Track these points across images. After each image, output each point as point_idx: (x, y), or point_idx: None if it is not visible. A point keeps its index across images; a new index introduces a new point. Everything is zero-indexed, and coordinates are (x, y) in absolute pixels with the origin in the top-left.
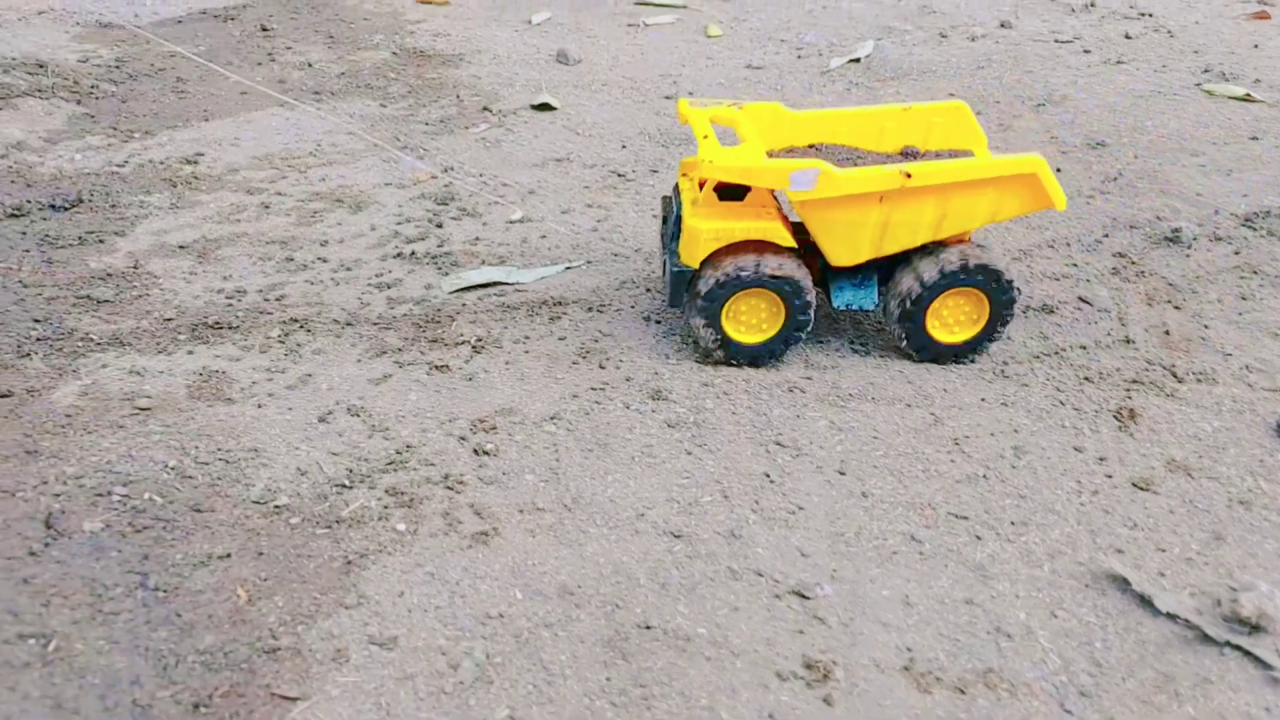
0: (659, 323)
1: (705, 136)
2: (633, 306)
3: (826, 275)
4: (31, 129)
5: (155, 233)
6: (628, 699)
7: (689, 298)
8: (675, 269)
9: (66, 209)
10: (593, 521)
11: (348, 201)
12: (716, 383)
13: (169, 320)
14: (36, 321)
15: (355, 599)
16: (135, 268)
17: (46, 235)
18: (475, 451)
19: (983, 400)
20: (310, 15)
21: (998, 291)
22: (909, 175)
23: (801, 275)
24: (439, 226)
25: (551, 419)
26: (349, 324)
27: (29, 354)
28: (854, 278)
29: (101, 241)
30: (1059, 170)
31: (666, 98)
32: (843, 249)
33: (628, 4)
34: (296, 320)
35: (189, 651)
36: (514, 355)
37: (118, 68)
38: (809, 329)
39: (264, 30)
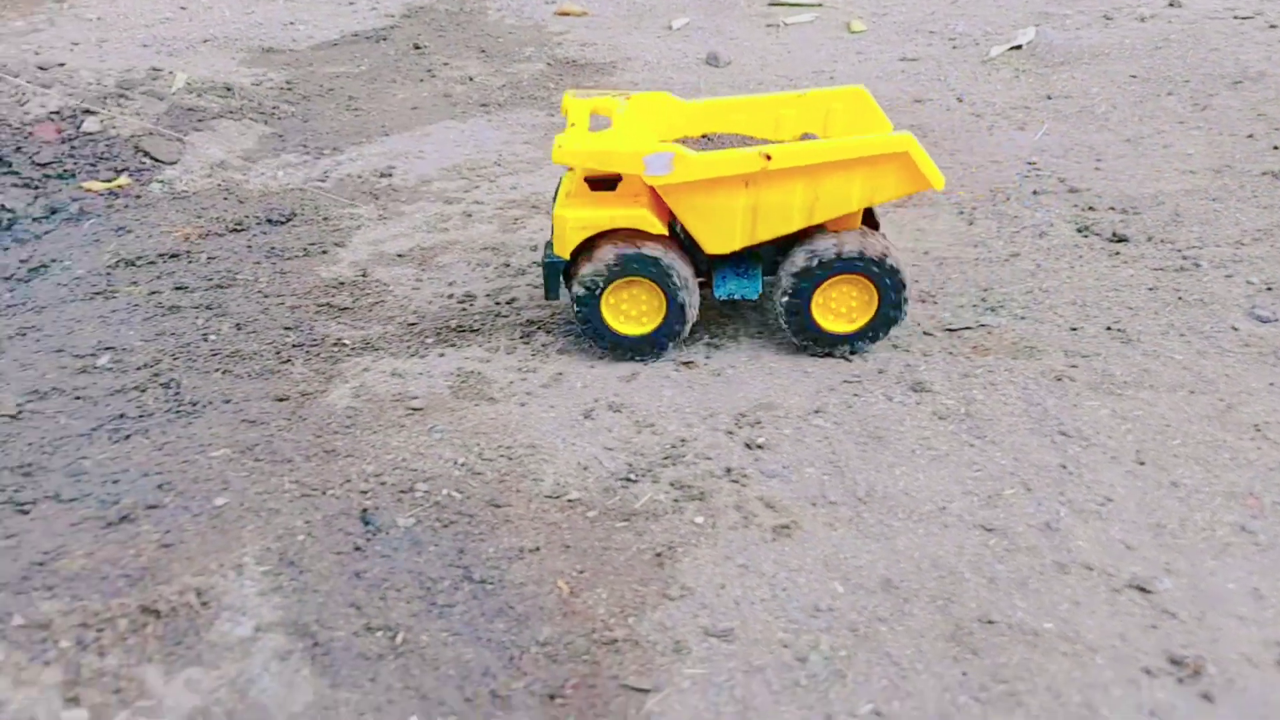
0: None
1: (573, 125)
2: None
3: (711, 265)
4: (230, 149)
5: (371, 243)
6: (989, 694)
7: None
8: (546, 260)
9: (283, 223)
10: (893, 515)
11: (543, 208)
12: (977, 373)
13: (412, 325)
14: (287, 329)
15: (678, 591)
16: (364, 275)
17: (271, 248)
18: (747, 445)
19: (1271, 385)
20: (457, 32)
21: (882, 278)
22: (768, 157)
23: (675, 263)
24: None
25: (815, 412)
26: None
27: (290, 359)
28: (738, 267)
29: (325, 252)
30: None
31: None
32: (714, 236)
33: (761, 5)
34: (534, 323)
35: (529, 643)
36: (755, 351)
37: (290, 88)
38: (690, 320)
39: (417, 48)
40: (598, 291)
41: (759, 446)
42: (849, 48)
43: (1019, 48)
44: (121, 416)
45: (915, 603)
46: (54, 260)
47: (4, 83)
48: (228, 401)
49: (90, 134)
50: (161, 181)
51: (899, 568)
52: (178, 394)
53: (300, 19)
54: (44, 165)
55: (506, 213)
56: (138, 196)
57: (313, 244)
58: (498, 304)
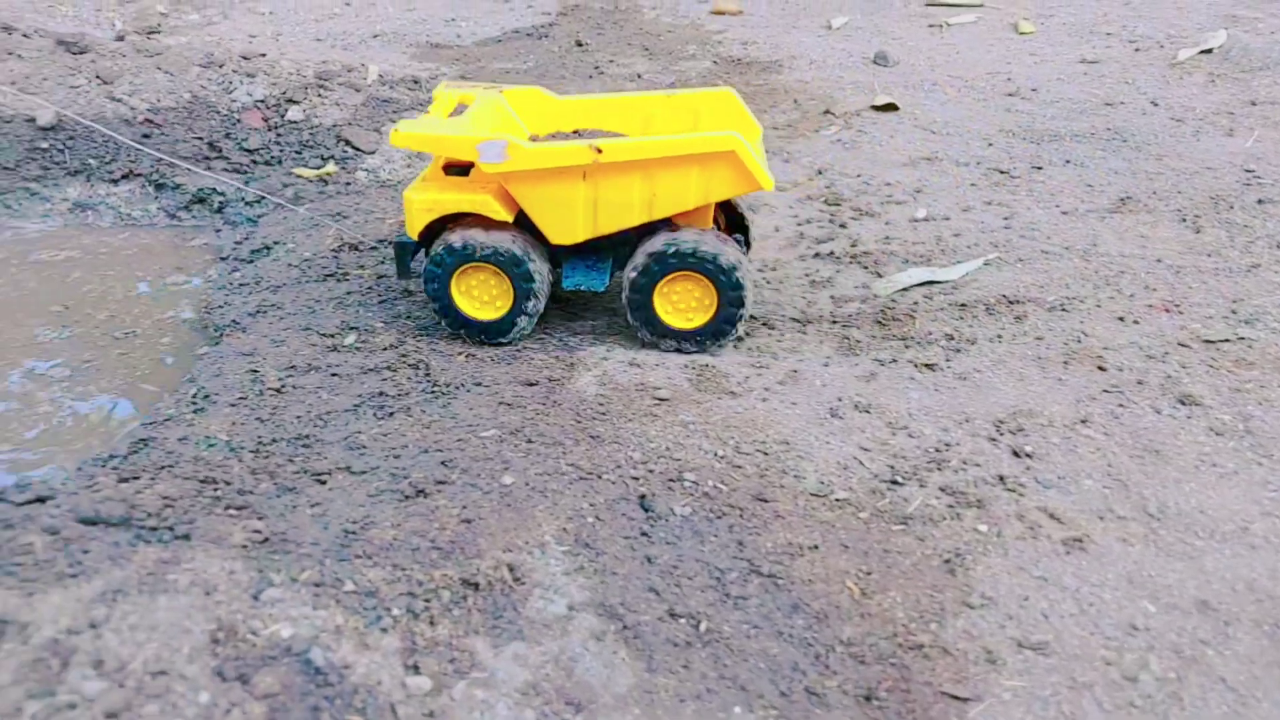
0: (1137, 323)
1: (428, 113)
2: (1098, 306)
3: (560, 257)
4: None
5: None
6: None
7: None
8: (396, 239)
9: None
10: (1192, 533)
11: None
12: (1248, 388)
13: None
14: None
15: (979, 599)
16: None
17: None
18: (1015, 454)
19: None
20: (615, 31)
21: (719, 277)
22: (599, 150)
23: (520, 250)
24: (842, 226)
25: (1082, 423)
26: (807, 321)
27: (524, 346)
28: (586, 260)
29: None
30: None
31: (1009, 95)
32: (557, 226)
33: (918, 4)
34: (755, 318)
35: (833, 642)
36: (998, 355)
37: (465, 80)
38: (538, 307)
39: (579, 45)
40: (445, 274)
41: (1028, 455)
42: (1020, 49)
43: (1209, 51)
44: (381, 394)
45: (1239, 626)
46: (276, 243)
47: (212, 71)
48: (479, 384)
49: (294, 122)
50: (366, 170)
51: (1212, 589)
52: (429, 375)
53: (460, 15)
54: (252, 151)
55: None
56: (347, 184)
57: None
58: None
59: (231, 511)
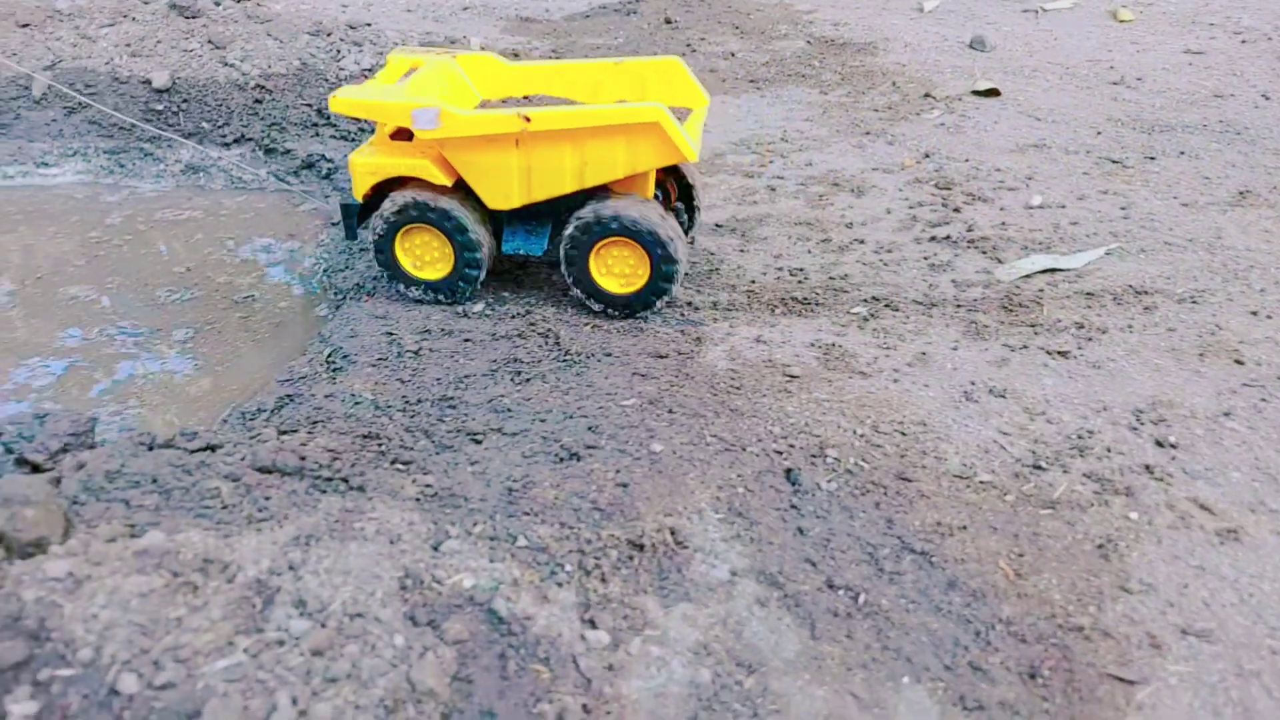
0: (1270, 318)
1: (374, 79)
2: (1229, 300)
3: (502, 222)
4: None
5: None
6: None
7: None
8: (341, 202)
9: None
10: None
11: (844, 185)
12: None
13: (753, 294)
14: None
15: (1137, 585)
16: (691, 243)
17: None
18: (1159, 444)
19: None
20: (703, 8)
21: (652, 246)
22: (528, 119)
23: (458, 212)
24: (956, 211)
25: (1225, 415)
26: (932, 305)
27: (647, 318)
28: (527, 224)
29: None
30: None
31: (1113, 84)
32: (493, 192)
33: None
34: (877, 299)
35: (993, 620)
36: (1130, 345)
37: (558, 57)
38: (481, 269)
39: (668, 23)
40: (388, 235)
41: (1172, 446)
42: (1121, 37)
43: None
44: (515, 360)
45: None
46: None
47: (320, 39)
48: (608, 354)
49: None
50: None
51: None
52: (559, 343)
53: None
54: (359, 120)
55: (809, 189)
56: None
57: None
58: (831, 279)
59: (399, 466)
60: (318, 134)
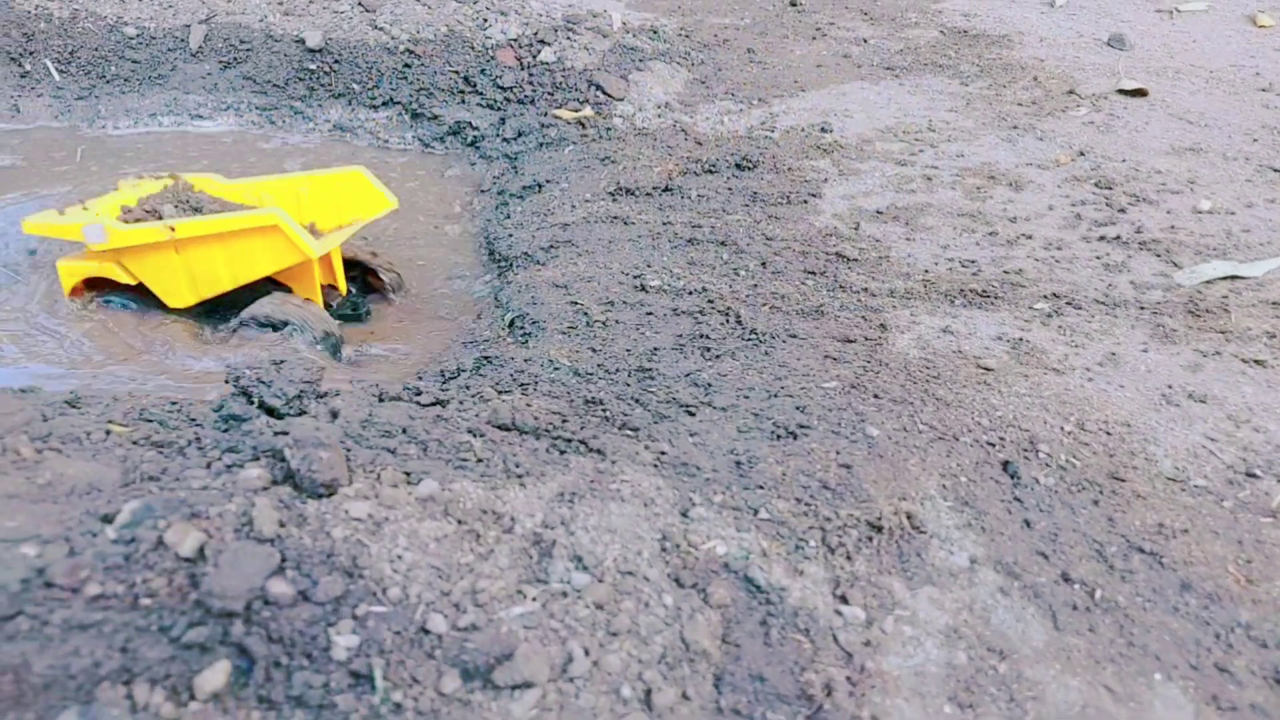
0: None
1: (72, 211)
2: None
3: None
4: (667, 91)
5: (844, 197)
6: None
7: None
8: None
9: (750, 169)
10: None
11: (1000, 179)
12: None
13: (929, 283)
14: (810, 273)
15: None
16: (856, 230)
17: (752, 192)
18: None
19: None
20: None
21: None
22: (173, 229)
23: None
24: (1121, 211)
25: None
26: (1114, 305)
27: (824, 303)
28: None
29: (804, 202)
30: None
31: (1261, 90)
32: (167, 292)
33: None
34: (1058, 296)
35: (1230, 623)
36: None
37: (687, 36)
38: None
39: (794, 5)
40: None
41: None
42: (1262, 43)
43: None
44: (703, 337)
45: None
46: (548, 181)
47: (467, 7)
48: (793, 336)
49: (547, 63)
50: (620, 117)
51: None
52: (740, 322)
53: None
54: (505, 89)
55: (965, 180)
56: (609, 129)
57: (789, 192)
58: (1005, 273)
59: (627, 432)
60: (464, 101)
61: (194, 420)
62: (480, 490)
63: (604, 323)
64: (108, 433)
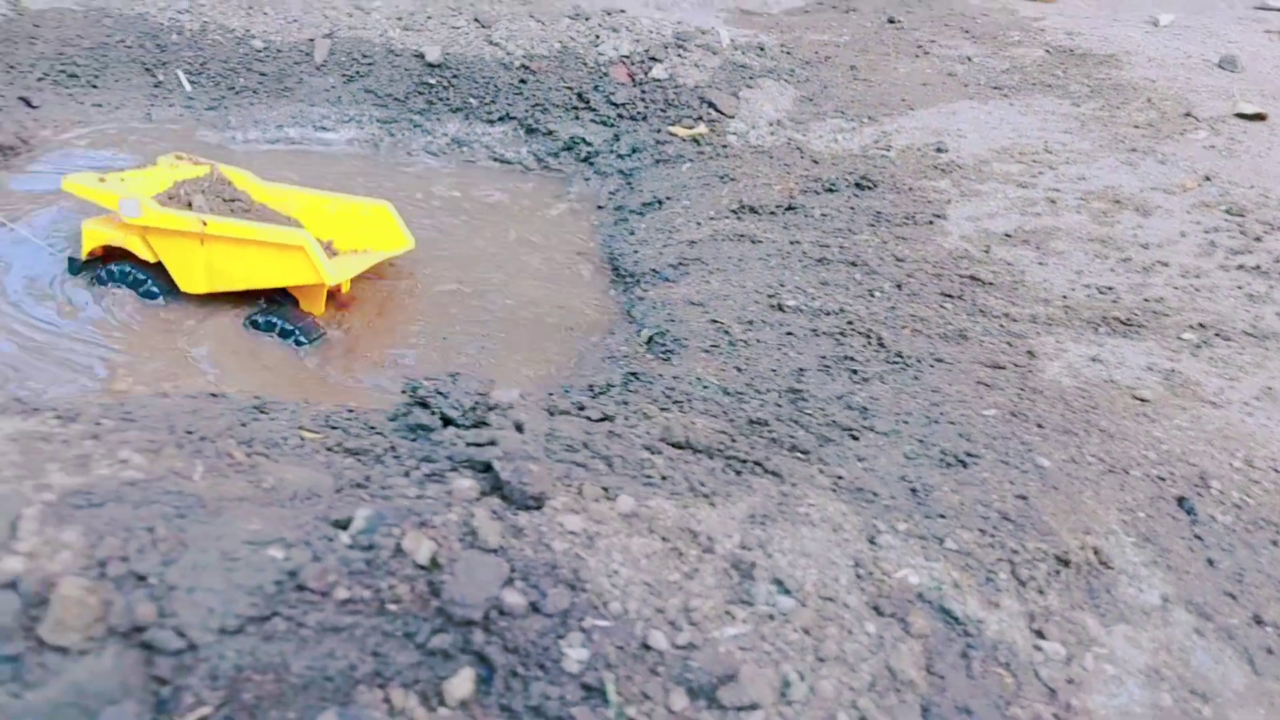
0: None
1: (122, 178)
2: None
3: None
4: (777, 108)
5: (969, 218)
6: None
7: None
8: (69, 255)
9: (870, 188)
10: None
11: (1125, 203)
12: None
13: (1069, 309)
14: (947, 295)
15: None
16: (987, 252)
17: (876, 212)
18: None
19: None
20: (924, 9)
21: (297, 348)
22: (205, 224)
23: (153, 286)
24: (1257, 240)
25: None
26: (1264, 337)
27: (966, 328)
28: None
29: (930, 223)
30: None
31: None
32: (182, 276)
33: (1243, 8)
34: (1205, 326)
35: None
36: None
37: (789, 53)
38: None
39: (892, 22)
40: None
41: None
42: None
43: None
44: (847, 359)
45: None
46: (668, 198)
47: (580, 23)
48: (939, 360)
49: (659, 80)
50: (735, 134)
51: None
52: (883, 345)
53: None
54: (618, 105)
55: (1090, 204)
56: (724, 146)
57: (913, 213)
58: (1145, 300)
59: (798, 455)
60: (578, 117)
61: (373, 428)
62: (674, 508)
63: (746, 342)
64: (302, 439)
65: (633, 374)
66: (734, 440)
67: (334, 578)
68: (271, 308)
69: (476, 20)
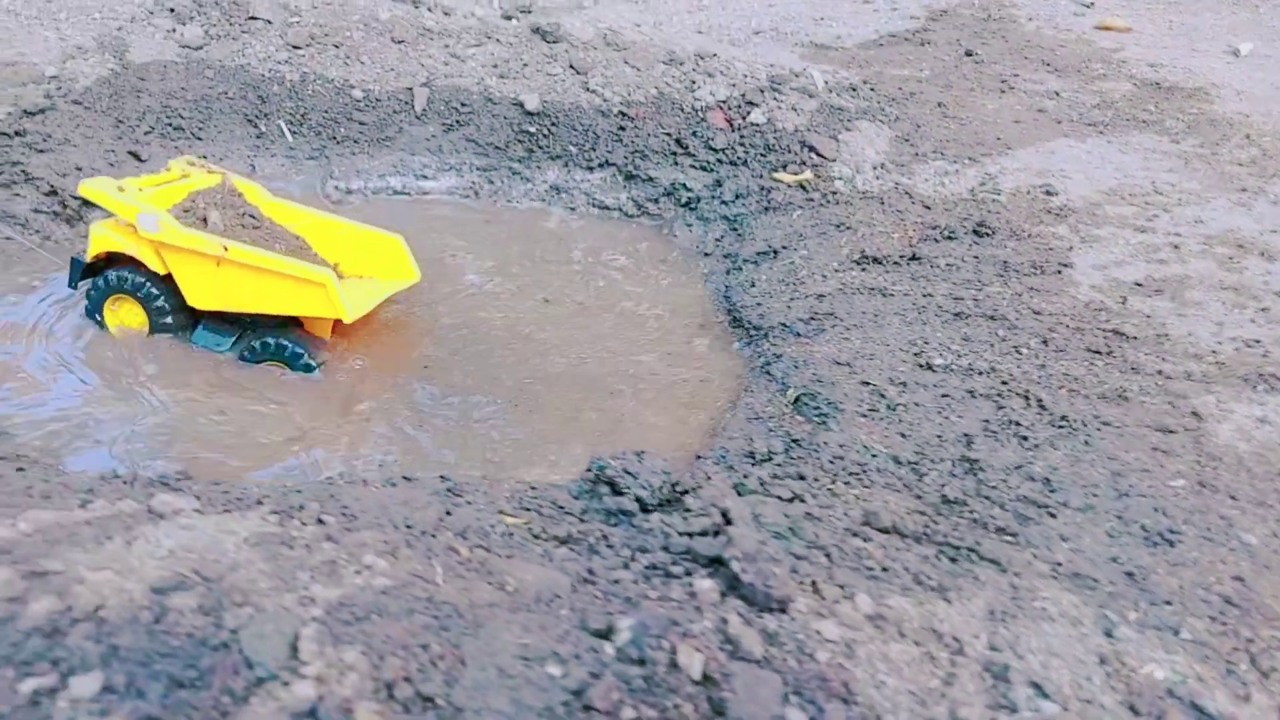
0: None
1: (130, 187)
2: None
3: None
4: (876, 150)
5: (1096, 267)
6: None
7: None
8: (74, 256)
9: (989, 235)
10: None
11: (1249, 248)
12: None
13: (1220, 365)
14: (1094, 352)
15: None
16: (1123, 303)
17: (1002, 261)
18: None
19: None
20: (1000, 42)
21: (305, 371)
22: (226, 249)
23: (159, 296)
24: None
25: None
26: None
27: (1124, 386)
28: (218, 325)
29: (1059, 273)
30: None
31: None
32: (194, 292)
33: None
34: None
35: None
36: None
37: (874, 89)
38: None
39: (969, 55)
40: (100, 295)
41: None
42: None
43: None
44: (1014, 424)
45: None
46: (784, 247)
47: (674, 68)
48: (1105, 423)
49: (757, 125)
50: (841, 179)
51: None
52: (1044, 407)
53: (826, 15)
54: (717, 151)
55: (1214, 249)
56: (833, 192)
57: (1039, 262)
58: None
59: (1006, 538)
60: (677, 163)
61: (561, 507)
62: (912, 607)
63: (904, 405)
64: (507, 527)
65: (794, 440)
66: (935, 522)
67: (618, 696)
68: (275, 330)
69: (572, 67)
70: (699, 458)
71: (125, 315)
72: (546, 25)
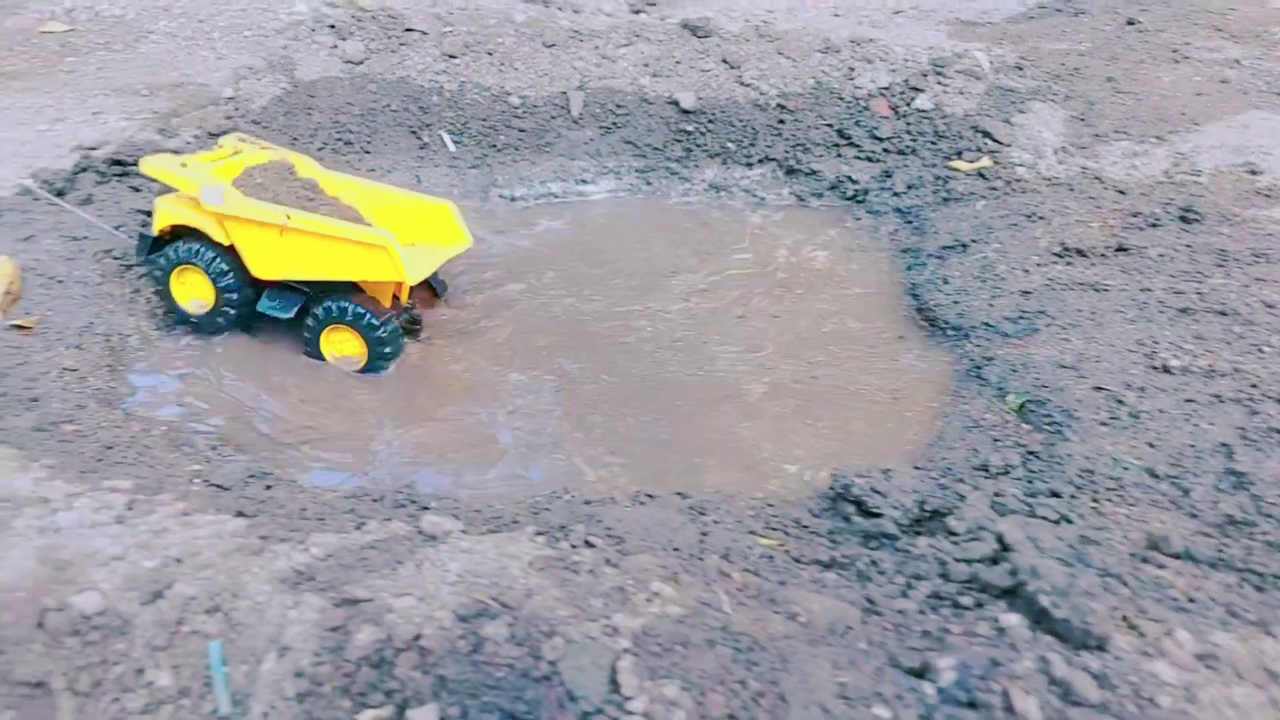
0: None
1: (193, 164)
2: None
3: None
4: (1054, 133)
5: None
6: None
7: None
8: (141, 230)
9: (1196, 220)
10: None
11: None
12: None
13: None
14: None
15: None
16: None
17: (1220, 250)
18: None
19: None
20: (1162, 7)
21: (369, 332)
22: (289, 218)
23: (224, 266)
24: None
25: None
26: None
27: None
28: (282, 292)
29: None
30: None
31: None
32: (256, 262)
33: None
34: None
35: None
36: None
37: (1034, 64)
38: (234, 313)
39: (1131, 24)
40: (167, 267)
41: None
42: None
43: None
44: (1275, 432)
45: None
46: (972, 240)
47: (831, 56)
48: None
49: (924, 111)
50: (1023, 165)
51: None
52: None
53: None
54: (883, 140)
55: None
56: (1017, 180)
57: (1260, 250)
58: None
59: None
60: (840, 154)
61: (805, 526)
62: (1236, 643)
63: (1147, 413)
64: (765, 549)
65: (1030, 453)
66: (1226, 545)
67: None
68: (337, 295)
69: (725, 61)
70: (917, 468)
71: (193, 287)
72: (696, 20)
